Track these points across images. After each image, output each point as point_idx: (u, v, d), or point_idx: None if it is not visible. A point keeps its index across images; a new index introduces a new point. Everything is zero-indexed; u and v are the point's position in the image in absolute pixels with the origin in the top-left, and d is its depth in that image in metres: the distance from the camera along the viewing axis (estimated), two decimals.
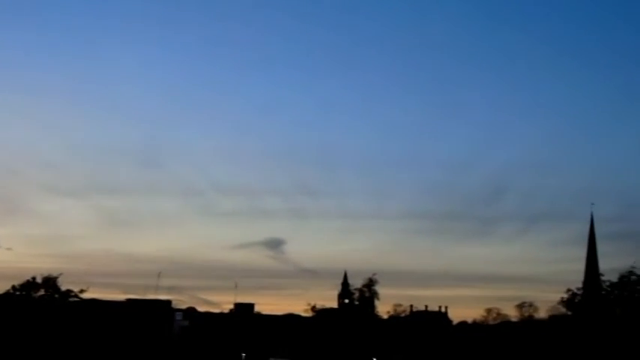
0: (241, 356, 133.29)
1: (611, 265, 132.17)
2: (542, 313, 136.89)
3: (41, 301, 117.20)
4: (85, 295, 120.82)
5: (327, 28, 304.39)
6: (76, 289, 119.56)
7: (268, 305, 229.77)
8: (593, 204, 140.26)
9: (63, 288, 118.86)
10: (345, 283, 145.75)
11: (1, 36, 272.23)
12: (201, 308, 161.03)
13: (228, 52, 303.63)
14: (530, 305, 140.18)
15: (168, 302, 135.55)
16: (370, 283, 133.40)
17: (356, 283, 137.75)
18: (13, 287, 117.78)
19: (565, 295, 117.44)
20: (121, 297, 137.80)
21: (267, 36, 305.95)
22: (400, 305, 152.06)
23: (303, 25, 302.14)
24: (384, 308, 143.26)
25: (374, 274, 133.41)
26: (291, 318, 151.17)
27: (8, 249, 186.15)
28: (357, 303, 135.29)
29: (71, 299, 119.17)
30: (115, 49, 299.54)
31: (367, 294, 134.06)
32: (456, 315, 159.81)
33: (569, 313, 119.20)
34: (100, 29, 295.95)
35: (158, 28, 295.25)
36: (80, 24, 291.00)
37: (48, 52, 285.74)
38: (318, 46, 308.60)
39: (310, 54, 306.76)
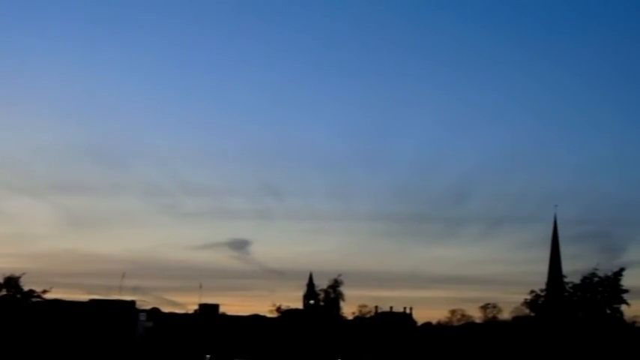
0: (206, 357, 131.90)
1: (574, 267, 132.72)
2: (505, 315, 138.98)
3: (3, 302, 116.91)
4: (48, 296, 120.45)
5: (289, 27, 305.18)
6: (38, 290, 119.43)
7: (233, 306, 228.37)
8: (556, 206, 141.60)
9: (25, 288, 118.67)
10: (310, 284, 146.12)
11: None
12: (165, 309, 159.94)
13: (193, 53, 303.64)
14: (494, 307, 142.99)
15: (132, 303, 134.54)
16: (335, 284, 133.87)
17: (321, 284, 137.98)
18: None
19: (528, 297, 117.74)
20: (84, 297, 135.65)
21: (231, 36, 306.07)
22: (365, 306, 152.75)
23: (267, 25, 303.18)
24: (349, 309, 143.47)
25: (339, 275, 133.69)
26: (256, 319, 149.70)
27: None
28: (322, 304, 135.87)
29: (34, 299, 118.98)
30: (77, 48, 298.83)
31: (332, 295, 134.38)
32: (420, 316, 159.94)
33: (533, 314, 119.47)
34: (63, 29, 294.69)
35: (122, 29, 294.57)
36: (43, 24, 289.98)
37: (8, 51, 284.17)
38: (285, 46, 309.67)
39: (276, 54, 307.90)
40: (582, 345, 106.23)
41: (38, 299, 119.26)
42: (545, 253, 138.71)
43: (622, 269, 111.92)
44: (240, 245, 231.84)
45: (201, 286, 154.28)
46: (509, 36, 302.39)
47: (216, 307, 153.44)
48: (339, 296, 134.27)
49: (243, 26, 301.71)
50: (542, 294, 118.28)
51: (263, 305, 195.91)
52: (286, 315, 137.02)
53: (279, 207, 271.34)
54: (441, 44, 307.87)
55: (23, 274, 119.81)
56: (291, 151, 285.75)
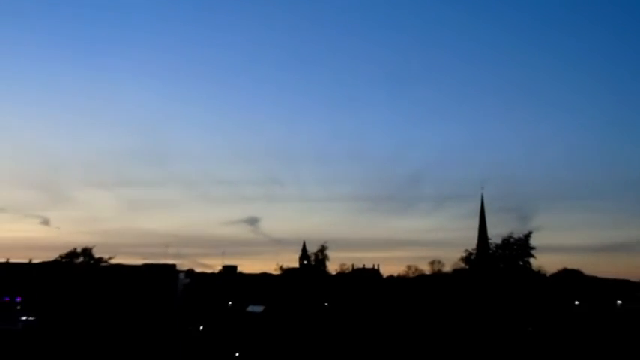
0: (228, 304, 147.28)
1: (496, 232, 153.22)
2: (448, 268, 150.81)
3: (80, 266, 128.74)
4: (113, 261, 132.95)
5: (288, 27, 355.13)
6: (106, 257, 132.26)
7: (248, 266, 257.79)
8: (483, 187, 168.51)
9: (97, 256, 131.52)
10: (304, 249, 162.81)
11: None
12: (198, 269, 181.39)
13: (217, 56, 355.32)
14: (439, 262, 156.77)
15: (174, 265, 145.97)
16: (322, 249, 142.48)
17: (312, 249, 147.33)
18: (60, 256, 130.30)
19: (464, 254, 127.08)
20: (139, 262, 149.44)
21: (239, 39, 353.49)
22: (345, 264, 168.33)
23: (265, 26, 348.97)
24: (332, 267, 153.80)
25: (325, 242, 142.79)
26: (264, 276, 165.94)
27: (57, 228, 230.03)
28: (313, 263, 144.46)
29: (102, 264, 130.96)
30: (132, 64, 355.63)
31: (320, 257, 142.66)
32: (385, 271, 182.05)
33: (468, 267, 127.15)
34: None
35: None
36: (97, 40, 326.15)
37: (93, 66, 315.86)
38: (286, 49, 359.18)
39: (279, 60, 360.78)
40: (504, 289, 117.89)
41: (105, 264, 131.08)
42: (476, 223, 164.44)
43: (530, 232, 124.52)
44: (252, 221, 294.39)
45: (223, 253, 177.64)
46: (459, 37, 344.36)
47: (235, 267, 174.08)
48: (325, 258, 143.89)
49: (247, 29, 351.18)
50: (474, 252, 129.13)
51: (270, 265, 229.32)
52: (287, 272, 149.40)
53: (281, 193, 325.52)
54: (397, 49, 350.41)
55: (95, 245, 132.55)
56: (290, 148, 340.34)
